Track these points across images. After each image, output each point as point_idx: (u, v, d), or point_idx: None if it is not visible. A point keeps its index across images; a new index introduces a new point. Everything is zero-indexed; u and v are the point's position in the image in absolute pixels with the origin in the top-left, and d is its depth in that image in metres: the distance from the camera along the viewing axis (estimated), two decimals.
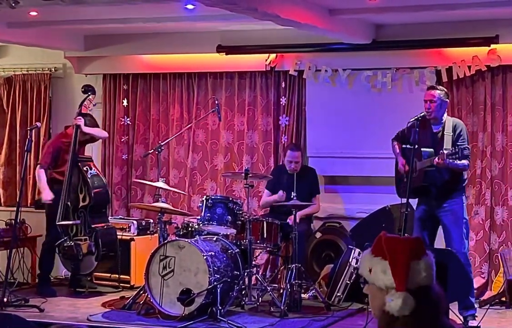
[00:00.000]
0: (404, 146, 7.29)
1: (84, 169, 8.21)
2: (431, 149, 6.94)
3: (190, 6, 7.28)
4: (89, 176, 8.20)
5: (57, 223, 8.07)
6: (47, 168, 8.28)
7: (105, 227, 8.32)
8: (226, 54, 8.94)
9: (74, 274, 8.35)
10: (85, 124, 8.23)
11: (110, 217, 9.20)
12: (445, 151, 6.70)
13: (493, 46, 8.02)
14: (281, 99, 8.99)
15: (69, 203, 8.11)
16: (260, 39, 8.76)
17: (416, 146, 6.79)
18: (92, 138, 8.53)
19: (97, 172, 8.42)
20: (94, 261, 8.11)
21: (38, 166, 8.41)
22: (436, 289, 2.54)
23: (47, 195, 8.19)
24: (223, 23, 8.29)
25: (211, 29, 8.71)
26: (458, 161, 6.74)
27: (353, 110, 8.66)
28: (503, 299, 7.47)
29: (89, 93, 8.36)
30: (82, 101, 8.32)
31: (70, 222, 8.10)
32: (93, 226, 8.15)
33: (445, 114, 7.06)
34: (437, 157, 6.74)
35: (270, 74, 9.02)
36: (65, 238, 8.10)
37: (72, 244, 8.07)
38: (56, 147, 8.33)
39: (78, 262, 8.11)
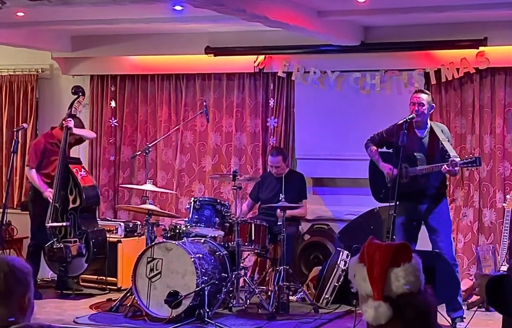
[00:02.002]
0: (380, 150, 7.26)
1: (74, 170, 8.16)
2: (421, 154, 6.93)
3: (178, 7, 7.26)
4: (79, 177, 8.14)
5: (47, 225, 8.00)
6: (36, 167, 8.21)
7: (95, 228, 8.26)
8: (215, 55, 8.92)
9: (62, 277, 8.28)
10: (74, 126, 8.20)
11: (97, 219, 9.17)
12: (456, 159, 6.69)
13: (481, 48, 8.03)
14: (269, 101, 8.97)
15: (57, 205, 8.05)
16: (249, 41, 8.74)
17: (402, 151, 6.78)
18: (79, 140, 8.47)
19: (87, 173, 8.37)
20: (84, 263, 8.06)
21: (28, 167, 8.35)
22: (424, 296, 2.48)
23: (49, 193, 8.12)
24: (211, 25, 8.26)
25: (199, 30, 8.68)
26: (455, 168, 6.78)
27: (341, 112, 8.65)
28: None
29: (79, 94, 8.30)
30: (72, 102, 8.26)
31: (60, 224, 8.03)
32: (83, 227, 8.09)
33: (428, 119, 7.08)
34: (446, 165, 6.70)
35: (259, 76, 9.01)
36: (53, 240, 8.04)
37: (61, 246, 8.01)
38: (42, 148, 8.27)
39: (66, 264, 8.05)
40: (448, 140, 6.99)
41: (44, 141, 8.36)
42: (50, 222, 8.02)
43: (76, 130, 8.21)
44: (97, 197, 8.48)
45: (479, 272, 7.49)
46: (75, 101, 8.25)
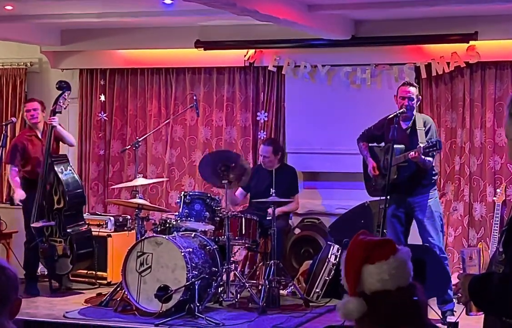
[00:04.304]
0: (371, 145, 7.33)
1: (59, 170, 7.97)
2: (402, 146, 6.97)
3: (168, 1, 7.23)
4: (63, 177, 7.95)
5: (31, 225, 7.91)
6: (14, 164, 8.06)
7: (80, 229, 8.08)
8: (205, 49, 8.88)
9: (51, 275, 8.19)
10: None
11: (86, 214, 9.11)
12: (421, 145, 6.73)
13: (472, 42, 8.03)
14: (260, 95, 8.96)
15: (44, 202, 7.95)
16: (239, 35, 8.71)
17: (392, 145, 6.82)
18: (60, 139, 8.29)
19: (72, 172, 8.17)
20: (69, 263, 7.96)
21: (6, 164, 8.20)
22: (405, 293, 2.45)
23: (17, 195, 7.97)
24: (201, 18, 8.23)
25: (189, 24, 8.65)
26: (426, 158, 6.79)
27: (332, 106, 8.64)
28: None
29: (64, 90, 8.10)
30: (57, 98, 8.09)
31: (44, 224, 7.88)
32: (68, 229, 7.94)
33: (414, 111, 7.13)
34: (413, 152, 6.76)
35: (249, 70, 8.98)
36: (39, 239, 7.92)
37: (46, 245, 7.92)
38: (20, 145, 8.08)
39: (53, 262, 7.97)
40: (429, 131, 7.00)
41: (21, 137, 8.21)
42: (34, 221, 7.89)
43: (60, 130, 8.03)
44: (82, 197, 8.25)
45: (462, 272, 7.50)
46: (60, 97, 8.05)
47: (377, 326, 2.41)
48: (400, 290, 2.43)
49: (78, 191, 8.14)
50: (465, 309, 3.31)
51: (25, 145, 8.10)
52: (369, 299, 2.44)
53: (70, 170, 8.14)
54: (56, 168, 7.97)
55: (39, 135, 8.10)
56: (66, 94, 8.10)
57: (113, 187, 9.11)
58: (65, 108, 8.17)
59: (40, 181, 7.93)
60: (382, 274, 2.43)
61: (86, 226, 8.25)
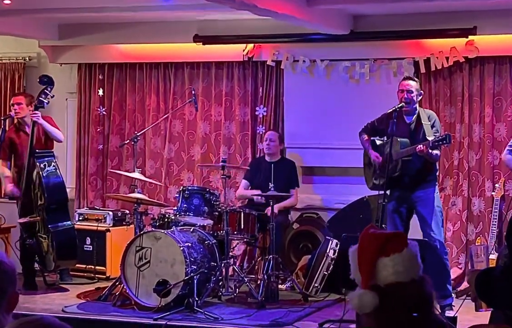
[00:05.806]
0: (372, 139, 7.34)
1: (42, 165, 7.85)
2: (407, 139, 6.98)
3: None
4: (44, 174, 7.84)
5: (18, 221, 7.87)
6: (5, 159, 8.05)
7: (60, 228, 7.92)
8: (203, 44, 8.87)
9: (43, 271, 8.16)
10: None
11: (85, 208, 9.11)
12: (430, 139, 6.75)
13: (471, 37, 8.03)
14: (258, 89, 8.95)
15: (32, 197, 7.88)
16: (238, 29, 8.70)
17: (391, 139, 6.84)
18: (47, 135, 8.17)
19: (56, 168, 8.00)
20: (52, 261, 7.90)
21: None
22: (417, 286, 2.47)
23: (11, 189, 7.97)
24: (200, 13, 8.23)
25: (188, 18, 8.64)
26: (433, 151, 6.81)
27: (331, 101, 8.64)
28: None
29: (46, 84, 7.96)
30: (40, 93, 7.98)
31: (30, 219, 7.85)
32: (49, 226, 7.85)
33: (417, 106, 7.11)
34: (421, 145, 6.76)
35: (248, 65, 8.97)
36: (25, 234, 7.89)
37: (32, 241, 7.89)
38: (8, 139, 8.05)
39: (43, 258, 7.94)
40: (433, 126, 7.02)
41: (11, 132, 8.18)
42: (19, 217, 7.87)
43: (45, 125, 7.95)
44: (62, 194, 8.06)
45: (470, 269, 7.53)
46: (42, 92, 7.94)
47: (388, 319, 2.42)
48: (413, 282, 2.46)
49: (59, 187, 7.99)
50: (474, 305, 3.31)
51: (11, 138, 8.08)
52: (383, 292, 2.44)
53: (54, 166, 7.98)
54: (38, 164, 7.86)
55: (27, 130, 8.04)
56: (48, 89, 7.98)
57: (111, 171, 9.09)
58: (47, 103, 8.06)
59: (23, 176, 7.88)
60: (396, 266, 2.46)
61: (70, 224, 8.09)
